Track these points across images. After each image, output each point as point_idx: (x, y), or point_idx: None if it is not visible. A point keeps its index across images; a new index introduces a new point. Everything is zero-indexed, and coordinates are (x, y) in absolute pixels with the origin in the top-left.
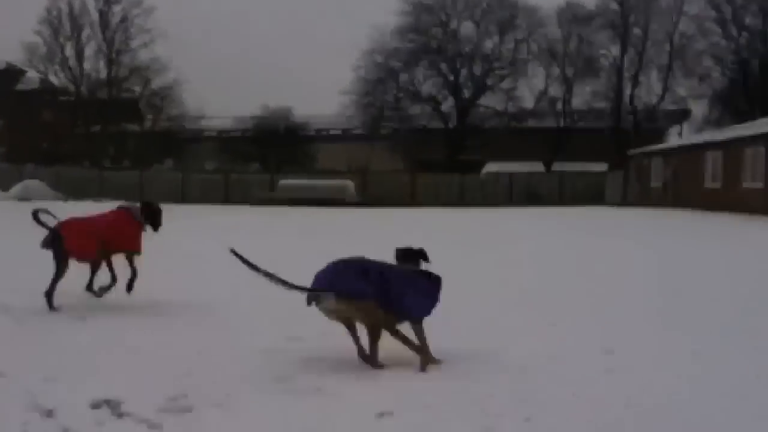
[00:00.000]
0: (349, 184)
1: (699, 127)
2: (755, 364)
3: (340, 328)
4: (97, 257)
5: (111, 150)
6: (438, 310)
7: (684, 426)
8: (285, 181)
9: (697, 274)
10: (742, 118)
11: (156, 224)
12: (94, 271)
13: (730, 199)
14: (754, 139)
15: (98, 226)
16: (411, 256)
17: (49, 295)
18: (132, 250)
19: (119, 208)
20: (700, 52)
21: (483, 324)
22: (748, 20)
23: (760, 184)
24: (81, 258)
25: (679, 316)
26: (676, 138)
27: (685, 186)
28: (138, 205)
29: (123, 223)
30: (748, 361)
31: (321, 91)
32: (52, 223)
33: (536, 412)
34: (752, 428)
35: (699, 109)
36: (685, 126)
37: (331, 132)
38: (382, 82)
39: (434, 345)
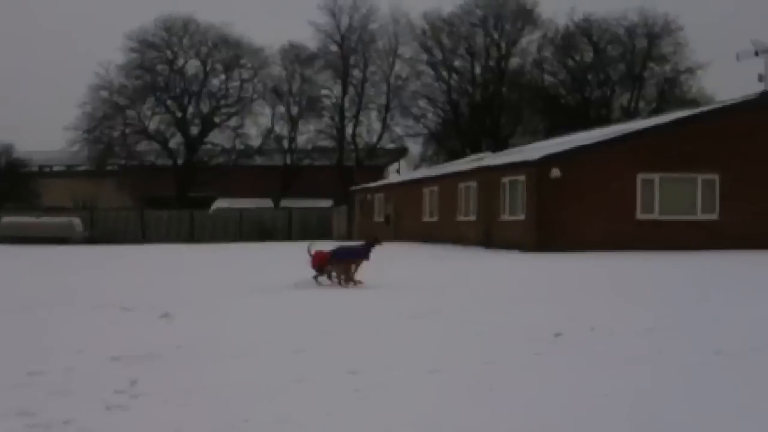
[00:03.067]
0: (76, 221)
1: (416, 164)
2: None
3: None
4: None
5: None
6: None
7: None
8: (8, 219)
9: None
10: (454, 155)
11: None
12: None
13: (448, 231)
14: (465, 175)
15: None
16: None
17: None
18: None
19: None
20: (415, 93)
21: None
22: (457, 63)
23: (472, 217)
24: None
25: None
26: (395, 175)
27: (406, 220)
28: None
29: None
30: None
31: (44, 127)
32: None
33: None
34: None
35: (415, 147)
36: (403, 163)
37: (55, 168)
38: (109, 118)
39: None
